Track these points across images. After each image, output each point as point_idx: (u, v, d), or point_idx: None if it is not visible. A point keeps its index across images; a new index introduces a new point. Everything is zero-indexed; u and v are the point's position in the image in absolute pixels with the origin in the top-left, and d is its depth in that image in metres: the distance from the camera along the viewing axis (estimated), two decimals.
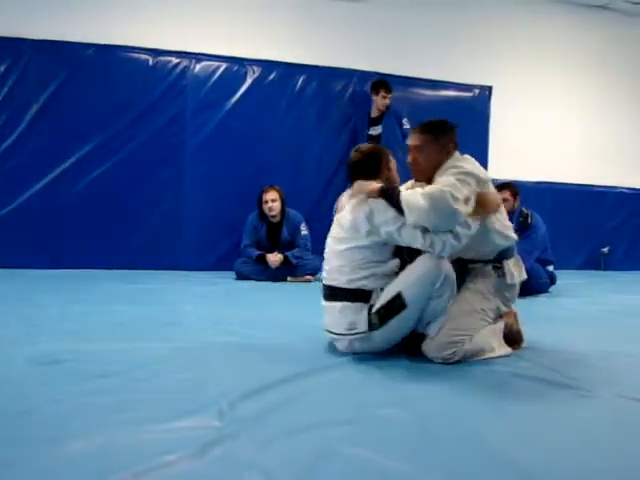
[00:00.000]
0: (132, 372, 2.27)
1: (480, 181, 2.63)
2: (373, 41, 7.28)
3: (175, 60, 6.44)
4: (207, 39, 6.62)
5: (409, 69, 7.28)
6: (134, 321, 3.37)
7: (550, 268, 5.41)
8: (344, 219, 2.68)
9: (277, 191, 5.85)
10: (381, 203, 2.56)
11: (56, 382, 2.12)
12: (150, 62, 6.36)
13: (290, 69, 6.81)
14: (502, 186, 5.41)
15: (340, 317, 2.61)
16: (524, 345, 2.89)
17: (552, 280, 5.42)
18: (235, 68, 6.65)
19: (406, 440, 1.67)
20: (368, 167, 2.77)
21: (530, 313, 3.08)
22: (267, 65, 6.74)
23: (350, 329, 2.58)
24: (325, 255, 2.82)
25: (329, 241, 2.80)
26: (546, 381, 2.31)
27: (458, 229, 2.47)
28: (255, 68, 6.69)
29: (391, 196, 2.54)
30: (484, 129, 7.70)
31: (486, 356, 2.64)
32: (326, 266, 2.79)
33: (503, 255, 2.80)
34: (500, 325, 2.80)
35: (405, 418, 1.85)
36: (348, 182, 2.89)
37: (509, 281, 2.78)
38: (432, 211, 2.41)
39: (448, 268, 2.56)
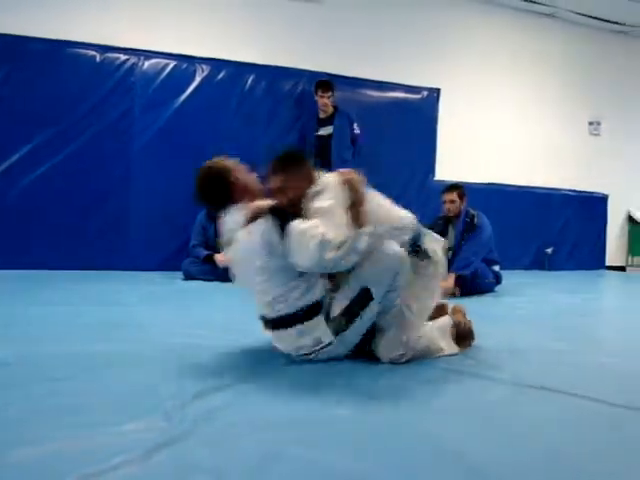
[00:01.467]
0: (82, 375, 2.23)
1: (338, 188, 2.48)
2: (323, 41, 7.31)
3: (123, 57, 6.35)
4: (156, 36, 6.55)
5: (358, 70, 7.34)
6: (83, 323, 3.29)
7: (496, 268, 5.51)
8: (252, 244, 2.46)
9: None
10: (270, 223, 2.41)
11: (3, 386, 2.07)
12: (97, 58, 6.25)
13: (239, 68, 6.79)
14: (449, 188, 5.50)
15: (301, 339, 2.48)
16: (475, 341, 2.92)
17: (498, 280, 5.52)
18: (184, 66, 6.59)
19: (356, 440, 1.68)
20: (217, 195, 2.61)
21: (475, 312, 3.11)
22: (216, 64, 6.70)
23: (316, 345, 2.48)
24: (256, 294, 2.59)
25: (248, 278, 2.60)
26: (492, 379, 2.35)
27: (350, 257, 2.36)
28: (204, 67, 6.65)
29: (280, 218, 2.40)
30: (432, 131, 7.82)
31: (434, 356, 2.67)
32: (260, 302, 2.58)
33: (416, 240, 2.66)
34: (446, 321, 2.82)
35: (355, 418, 1.86)
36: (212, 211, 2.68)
37: (432, 256, 2.66)
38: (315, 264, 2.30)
39: (407, 258, 2.51)
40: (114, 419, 1.76)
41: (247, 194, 2.57)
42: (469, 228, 5.30)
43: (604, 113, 9.31)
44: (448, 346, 2.75)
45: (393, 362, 2.54)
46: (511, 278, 6.19)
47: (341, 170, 2.58)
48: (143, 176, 6.36)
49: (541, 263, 8.57)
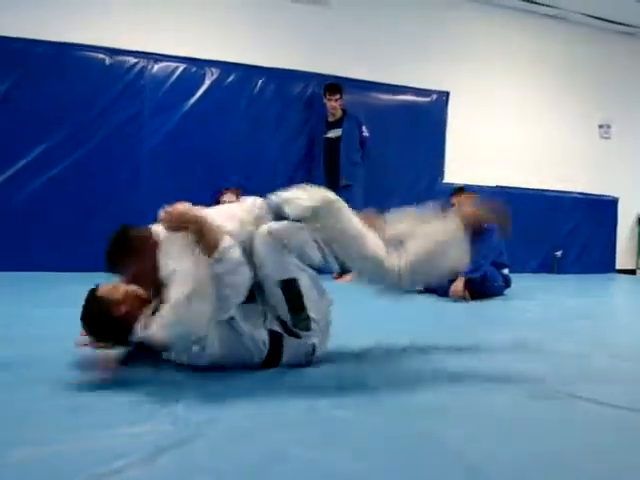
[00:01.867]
0: (83, 375, 2.24)
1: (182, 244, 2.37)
2: (332, 44, 7.32)
3: (132, 60, 6.37)
4: (165, 40, 6.57)
5: (367, 73, 7.34)
6: None
7: (505, 271, 5.48)
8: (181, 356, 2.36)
9: (235, 193, 5.81)
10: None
11: (3, 386, 2.08)
12: (107, 61, 6.27)
13: (248, 71, 6.80)
14: (457, 190, 5.49)
15: (297, 361, 2.45)
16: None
17: (507, 283, 5.49)
18: (193, 69, 6.61)
19: (356, 440, 1.68)
20: (114, 337, 2.37)
21: (485, 315, 3.11)
22: (225, 67, 6.71)
23: (308, 357, 2.45)
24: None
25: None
26: (495, 380, 2.34)
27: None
28: (213, 70, 6.66)
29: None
30: (441, 134, 7.79)
31: (444, 257, 2.71)
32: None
33: (279, 214, 2.54)
34: (448, 223, 2.78)
35: (355, 418, 1.86)
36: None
37: (303, 205, 2.49)
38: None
39: (275, 225, 2.41)
40: (116, 420, 1.76)
41: (137, 313, 2.34)
42: (478, 231, 5.28)
43: (613, 115, 9.26)
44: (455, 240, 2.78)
45: (399, 288, 2.56)
46: (520, 281, 6.15)
47: (162, 213, 2.50)
48: (152, 179, 6.36)
49: (550, 266, 8.52)
